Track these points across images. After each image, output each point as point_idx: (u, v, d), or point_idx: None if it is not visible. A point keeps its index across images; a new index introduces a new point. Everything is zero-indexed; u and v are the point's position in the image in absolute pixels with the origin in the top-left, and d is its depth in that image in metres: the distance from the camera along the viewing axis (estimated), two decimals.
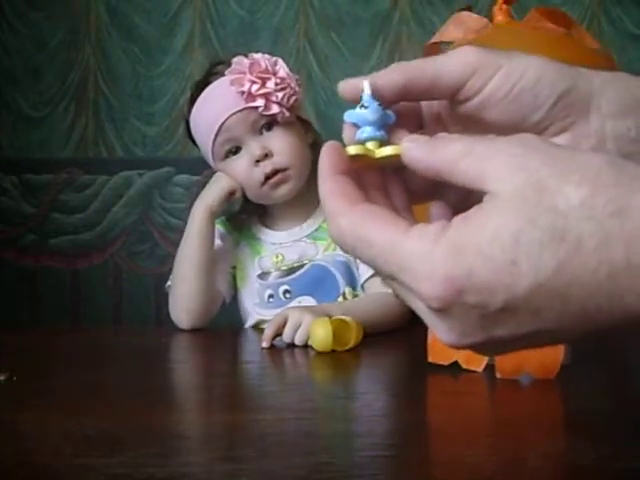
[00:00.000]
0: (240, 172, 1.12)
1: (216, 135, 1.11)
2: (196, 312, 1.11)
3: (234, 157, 1.12)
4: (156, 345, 0.98)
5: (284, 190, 1.12)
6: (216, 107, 1.11)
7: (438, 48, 0.78)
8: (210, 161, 1.17)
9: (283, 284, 1.14)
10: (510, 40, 0.73)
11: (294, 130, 1.13)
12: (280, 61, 1.10)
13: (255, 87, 1.06)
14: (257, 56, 1.08)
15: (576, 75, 0.34)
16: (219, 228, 1.20)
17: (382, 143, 0.33)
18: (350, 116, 0.34)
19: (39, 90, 2.99)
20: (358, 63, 2.76)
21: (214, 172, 1.17)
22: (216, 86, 1.12)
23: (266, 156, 1.10)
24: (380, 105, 0.33)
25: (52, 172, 2.88)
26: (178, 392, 0.68)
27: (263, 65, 1.07)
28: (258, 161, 1.10)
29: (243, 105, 1.08)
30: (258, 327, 1.14)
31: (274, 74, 1.07)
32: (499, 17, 0.76)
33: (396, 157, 0.32)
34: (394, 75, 0.33)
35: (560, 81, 0.33)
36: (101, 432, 0.47)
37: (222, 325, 1.21)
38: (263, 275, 1.16)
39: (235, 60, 1.07)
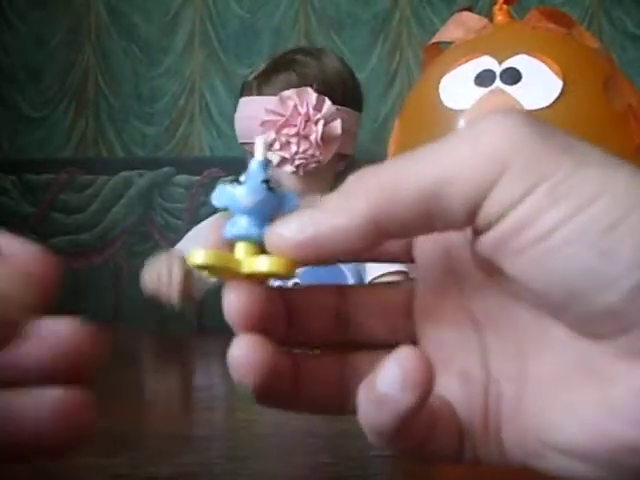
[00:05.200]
0: None
1: (243, 143, 1.14)
2: None
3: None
4: (156, 345, 0.98)
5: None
6: (247, 124, 1.12)
7: (438, 48, 0.78)
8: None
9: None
10: (510, 40, 0.73)
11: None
12: (320, 124, 1.04)
13: (277, 145, 1.05)
14: (301, 106, 1.04)
15: None
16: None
17: (261, 246, 0.20)
18: (219, 196, 0.20)
19: (39, 90, 2.99)
20: (359, 63, 2.76)
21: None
22: (257, 103, 1.11)
23: None
24: (267, 182, 0.20)
25: (52, 172, 2.88)
26: (178, 392, 0.68)
27: (298, 125, 1.04)
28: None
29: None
30: None
31: (306, 137, 1.05)
32: (499, 17, 0.76)
33: (280, 273, 0.19)
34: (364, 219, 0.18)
35: None
36: (101, 432, 0.46)
37: (221, 325, 1.21)
38: None
39: (282, 95, 1.04)
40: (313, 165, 1.06)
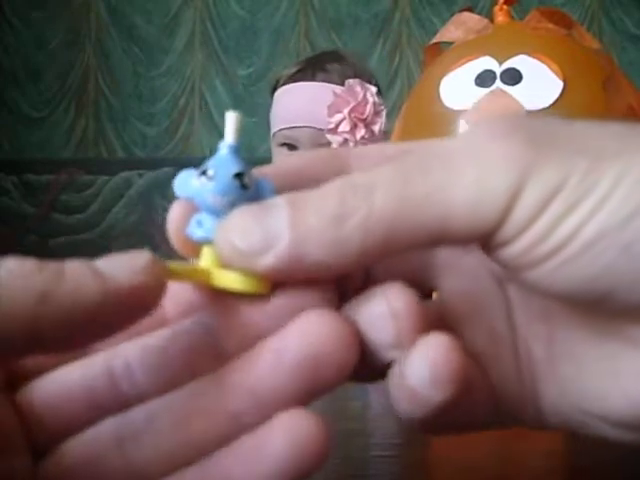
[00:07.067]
0: None
1: (285, 127, 1.14)
2: None
3: (287, 152, 1.15)
4: None
5: None
6: (301, 108, 1.13)
7: (439, 49, 0.78)
8: (271, 133, 1.20)
9: None
10: (511, 41, 0.73)
11: None
12: (384, 115, 1.09)
13: (343, 127, 1.06)
14: (369, 95, 1.06)
15: None
16: None
17: None
18: (181, 185, 0.18)
19: (39, 90, 2.99)
20: None
21: None
22: (316, 88, 1.13)
23: None
24: (241, 175, 0.16)
25: (52, 172, 2.88)
26: None
27: (367, 112, 1.06)
28: None
29: (323, 128, 1.09)
30: None
31: (367, 125, 1.07)
32: (499, 17, 0.76)
33: (255, 293, 0.16)
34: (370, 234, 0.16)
35: None
36: None
37: None
38: None
39: (349, 82, 1.06)
40: None
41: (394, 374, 0.17)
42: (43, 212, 2.78)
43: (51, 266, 0.14)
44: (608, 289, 0.16)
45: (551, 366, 0.18)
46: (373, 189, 0.16)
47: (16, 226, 2.79)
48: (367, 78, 1.11)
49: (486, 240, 0.16)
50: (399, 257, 0.19)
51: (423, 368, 0.16)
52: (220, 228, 0.16)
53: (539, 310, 0.19)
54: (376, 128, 1.06)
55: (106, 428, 0.16)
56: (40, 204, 2.84)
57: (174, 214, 0.18)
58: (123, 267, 0.15)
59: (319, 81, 1.14)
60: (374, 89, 1.06)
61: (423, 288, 0.20)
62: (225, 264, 0.16)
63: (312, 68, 1.16)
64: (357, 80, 1.05)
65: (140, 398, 0.16)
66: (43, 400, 0.16)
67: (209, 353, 0.17)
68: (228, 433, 0.16)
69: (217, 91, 2.89)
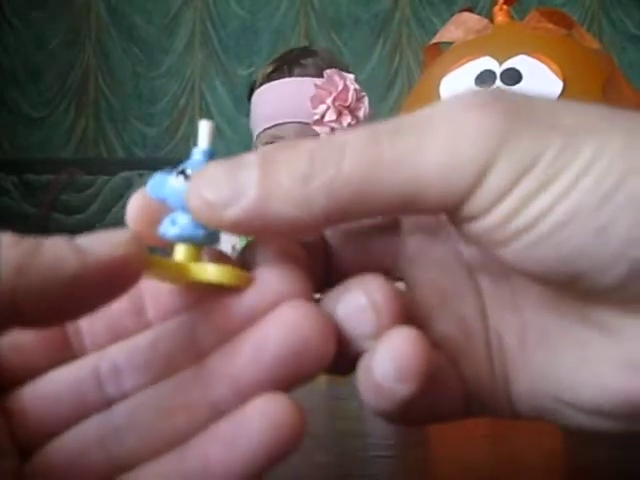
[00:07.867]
0: None
1: (269, 126, 1.13)
2: None
3: None
4: None
5: None
6: (283, 105, 1.12)
7: (439, 49, 0.78)
8: (254, 136, 1.19)
9: None
10: (511, 41, 0.73)
11: None
12: (366, 100, 1.09)
13: (329, 116, 1.05)
14: (349, 82, 1.06)
15: None
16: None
17: (202, 250, 0.17)
18: (156, 187, 0.18)
19: (39, 90, 2.99)
20: (359, 64, 2.76)
21: None
22: (294, 83, 1.12)
23: None
24: None
25: (52, 172, 2.88)
26: None
27: (349, 98, 1.05)
28: None
29: (308, 121, 1.08)
30: None
31: (351, 111, 1.06)
32: (499, 18, 0.77)
33: (232, 285, 0.17)
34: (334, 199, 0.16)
35: None
36: None
37: None
38: None
39: (328, 73, 1.06)
40: None
41: (361, 367, 0.17)
42: (43, 212, 2.78)
43: (29, 240, 0.14)
44: (580, 270, 0.15)
45: (523, 355, 0.18)
46: (343, 151, 0.16)
47: (16, 226, 2.80)
48: (342, 68, 1.11)
49: (456, 211, 0.16)
50: (366, 247, 0.19)
51: (387, 362, 0.16)
52: (193, 180, 0.17)
53: (510, 298, 0.18)
54: (360, 113, 1.06)
55: (89, 426, 0.16)
56: (40, 204, 2.84)
57: (134, 204, 0.18)
58: (103, 242, 0.15)
59: (296, 76, 1.13)
60: (352, 76, 1.07)
61: (391, 279, 0.19)
62: (201, 255, 0.17)
63: (287, 65, 1.15)
64: (334, 70, 1.05)
65: (125, 398, 0.17)
66: (33, 403, 0.16)
67: (191, 350, 0.17)
68: (209, 423, 0.16)
69: (217, 91, 2.89)
